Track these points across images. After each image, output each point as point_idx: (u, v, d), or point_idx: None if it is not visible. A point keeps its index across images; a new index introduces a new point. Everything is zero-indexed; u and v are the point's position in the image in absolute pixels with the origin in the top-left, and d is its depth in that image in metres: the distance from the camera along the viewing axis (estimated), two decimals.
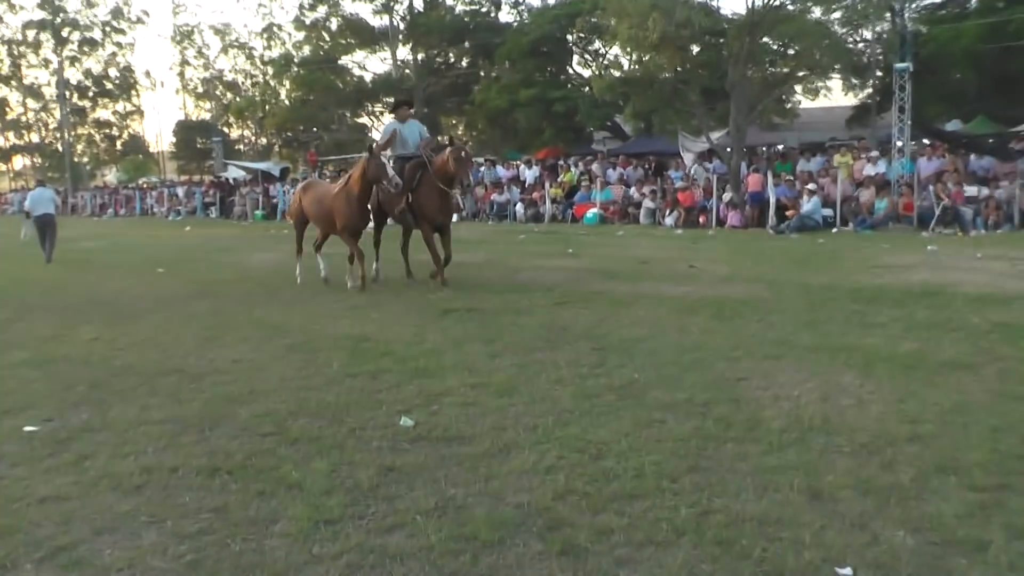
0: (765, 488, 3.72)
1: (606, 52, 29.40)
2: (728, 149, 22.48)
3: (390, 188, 9.77)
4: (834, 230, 17.84)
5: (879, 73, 29.66)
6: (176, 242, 20.74)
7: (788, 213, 18.42)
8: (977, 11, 32.09)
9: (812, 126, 37.61)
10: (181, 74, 63.81)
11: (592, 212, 23.10)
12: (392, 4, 41.69)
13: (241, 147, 60.39)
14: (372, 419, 4.87)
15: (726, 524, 3.37)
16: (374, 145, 10.62)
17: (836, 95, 36.53)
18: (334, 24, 43.85)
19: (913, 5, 32.64)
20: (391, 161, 10.30)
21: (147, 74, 63.56)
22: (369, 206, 10.42)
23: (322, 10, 43.37)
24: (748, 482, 3.79)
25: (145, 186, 45.48)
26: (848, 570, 2.98)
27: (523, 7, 41.55)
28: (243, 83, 60.18)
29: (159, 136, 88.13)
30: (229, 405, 5.25)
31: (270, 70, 49.35)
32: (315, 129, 45.18)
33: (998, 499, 3.56)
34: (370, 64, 64.01)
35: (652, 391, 5.29)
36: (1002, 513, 3.42)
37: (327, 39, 44.08)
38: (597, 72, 32.89)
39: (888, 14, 23.17)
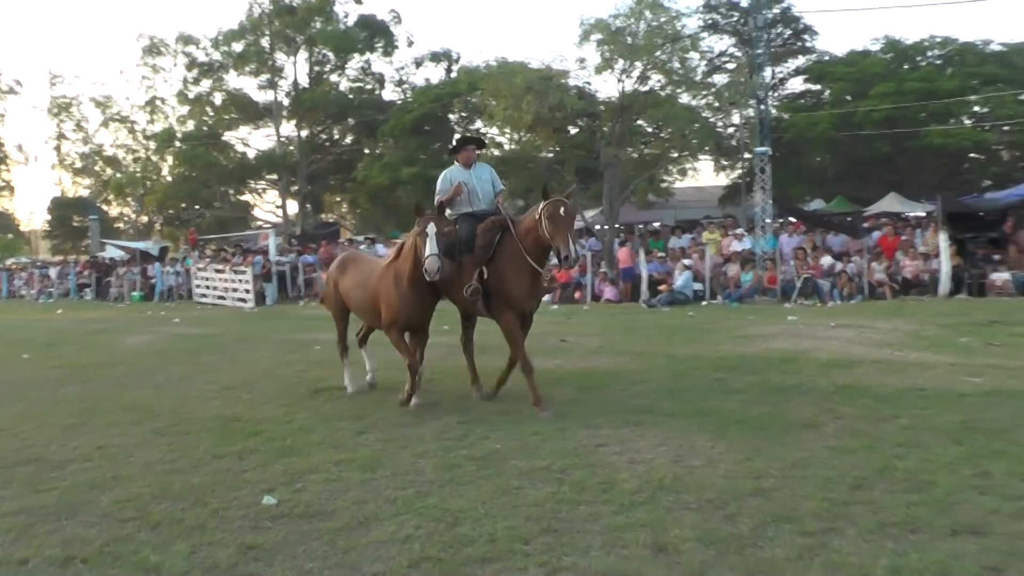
0: (613, 545, 3.89)
1: (485, 132, 30.33)
2: (599, 227, 23.36)
3: (425, 272, 6.87)
4: (704, 303, 18.61)
5: (747, 155, 31.61)
6: (46, 325, 19.75)
7: (661, 288, 19.15)
8: (830, 102, 35.10)
9: (687, 204, 39.57)
10: (58, 148, 61.34)
11: None
12: (277, 80, 41.86)
13: (120, 225, 58.21)
14: (236, 499, 4.82)
15: None
16: (422, 206, 7.53)
17: (708, 176, 38.63)
18: (218, 99, 43.51)
19: (775, 93, 35.38)
20: (449, 223, 7.36)
21: (19, 148, 60.39)
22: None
23: (206, 84, 43.01)
24: (598, 540, 3.96)
25: (14, 267, 43.15)
26: None
27: (407, 86, 42.54)
28: (124, 158, 58.35)
29: (31, 214, 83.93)
30: (90, 492, 5.08)
31: (152, 145, 48.13)
32: (197, 207, 44.23)
33: (823, 541, 3.86)
34: (254, 140, 63.40)
35: (512, 460, 5.43)
36: (825, 553, 3.73)
37: (211, 114, 43.61)
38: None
39: (753, 101, 24.90)
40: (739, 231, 22.22)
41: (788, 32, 36.30)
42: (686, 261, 19.55)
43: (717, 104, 26.52)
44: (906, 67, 34.81)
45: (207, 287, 24.78)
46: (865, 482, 4.68)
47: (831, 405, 6.78)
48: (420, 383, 7.45)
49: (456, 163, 7.92)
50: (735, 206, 34.51)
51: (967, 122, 33.50)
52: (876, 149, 32.71)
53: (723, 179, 40.03)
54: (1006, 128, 32.59)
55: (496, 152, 27.68)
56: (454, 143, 8.54)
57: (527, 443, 5.86)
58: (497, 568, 3.70)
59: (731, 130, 35.06)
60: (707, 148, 30.00)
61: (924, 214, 24.17)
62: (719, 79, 31.67)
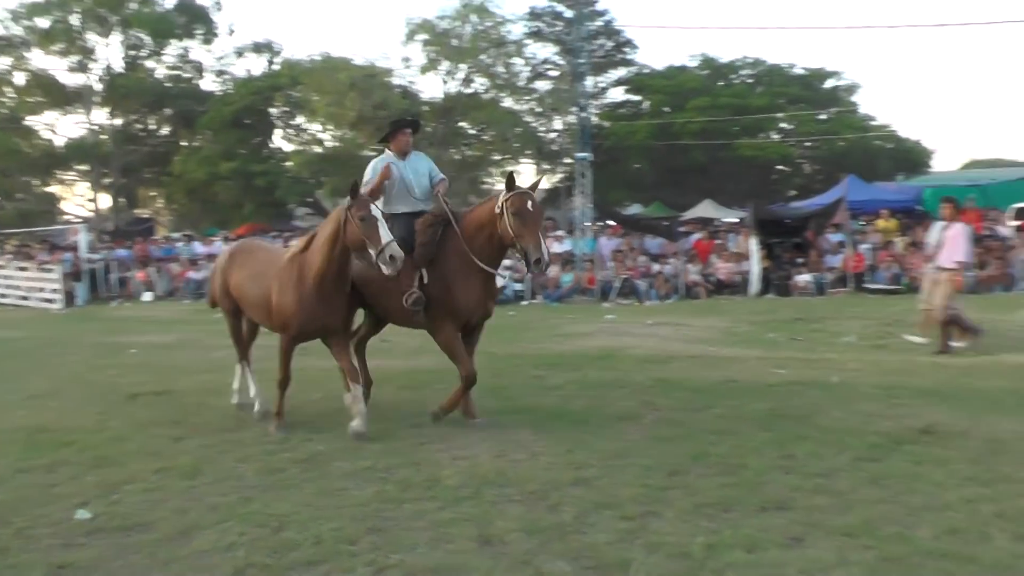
0: (439, 540, 3.97)
1: (306, 128, 29.69)
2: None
3: (383, 266, 5.60)
4: (524, 303, 18.94)
5: (568, 161, 32.71)
6: None
7: None
8: (649, 112, 37.12)
9: None
10: None
11: None
12: (88, 63, 38.80)
13: None
14: (44, 516, 4.51)
15: None
16: (359, 186, 6.14)
17: (529, 179, 39.50)
18: (20, 78, 39.79)
19: (596, 102, 36.88)
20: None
21: None
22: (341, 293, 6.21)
23: (5, 61, 39.22)
24: (424, 536, 4.02)
25: None
26: None
27: (227, 76, 40.67)
28: None
29: None
30: None
31: None
32: None
33: (643, 524, 4.13)
34: (62, 127, 58.31)
35: (336, 461, 5.41)
36: (645, 534, 3.99)
37: (11, 95, 39.78)
38: (298, 147, 32.99)
39: (575, 108, 25.82)
40: (559, 233, 22.92)
41: (610, 44, 37.85)
42: (506, 262, 19.91)
43: (540, 110, 27.31)
44: (720, 83, 37.62)
45: (8, 287, 22.77)
46: (681, 468, 5.02)
47: (648, 398, 7.16)
48: (359, 407, 6.08)
49: (387, 151, 6.87)
50: (556, 209, 35.59)
51: (775, 137, 36.70)
52: (692, 158, 34.93)
53: (544, 183, 41.14)
54: (808, 144, 35.97)
55: (317, 149, 27.08)
56: (390, 127, 7.06)
57: (350, 444, 5.84)
58: (324, 570, 3.69)
59: (553, 135, 36.21)
60: (529, 152, 30.79)
61: (736, 220, 25.87)
62: (542, 85, 32.73)
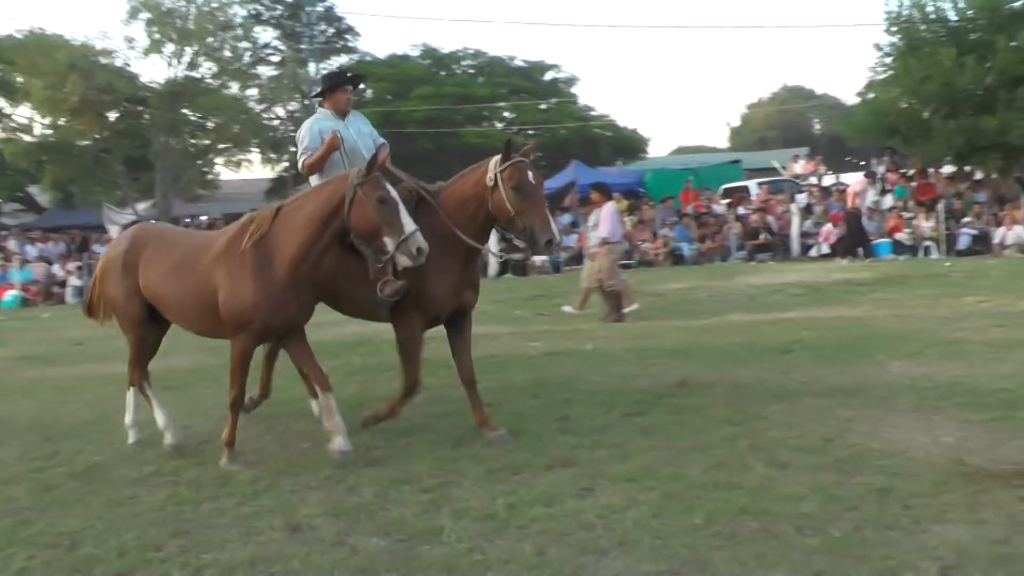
0: (248, 534, 3.86)
1: (12, 113, 26.16)
2: (154, 221, 21.95)
3: (404, 258, 4.71)
4: None
5: (293, 149, 31.87)
6: None
7: None
8: (372, 100, 37.18)
9: (235, 197, 38.48)
10: None
11: (11, 294, 20.50)
12: None
13: None
14: None
15: (220, 574, 3.44)
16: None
17: (255, 168, 38.10)
18: None
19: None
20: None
21: None
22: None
23: None
24: (232, 533, 3.89)
25: None
26: None
27: None
28: None
29: None
30: None
31: None
32: None
33: (443, 494, 4.27)
34: None
35: (117, 470, 5.06)
36: (447, 503, 4.14)
37: None
38: (7, 135, 29.28)
39: (298, 95, 25.20)
40: None
41: (332, 31, 37.38)
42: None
43: (262, 96, 26.26)
44: (443, 73, 38.46)
45: None
46: (466, 439, 5.24)
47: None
48: (337, 422, 5.05)
49: (321, 109, 5.93)
50: (282, 198, 34.71)
51: (498, 125, 38.16)
52: (418, 146, 35.42)
53: (269, 172, 39.93)
54: (531, 132, 37.97)
55: (28, 137, 24.01)
56: (323, 81, 6.19)
57: (127, 451, 5.46)
58: None
59: (276, 123, 35.17)
60: (256, 141, 29.67)
61: None
62: (264, 71, 31.61)
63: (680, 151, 55.13)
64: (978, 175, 21.58)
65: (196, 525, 4.03)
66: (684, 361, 7.43)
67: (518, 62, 40.27)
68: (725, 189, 24.49)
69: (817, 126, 65.71)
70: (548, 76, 41.26)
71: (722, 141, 71.02)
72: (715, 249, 19.73)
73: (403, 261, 4.73)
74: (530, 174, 5.13)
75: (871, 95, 24.19)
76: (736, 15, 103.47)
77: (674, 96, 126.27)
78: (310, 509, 4.12)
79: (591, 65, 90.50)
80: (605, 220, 10.67)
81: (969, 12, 20.90)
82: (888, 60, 22.11)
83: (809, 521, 3.63)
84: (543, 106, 38.38)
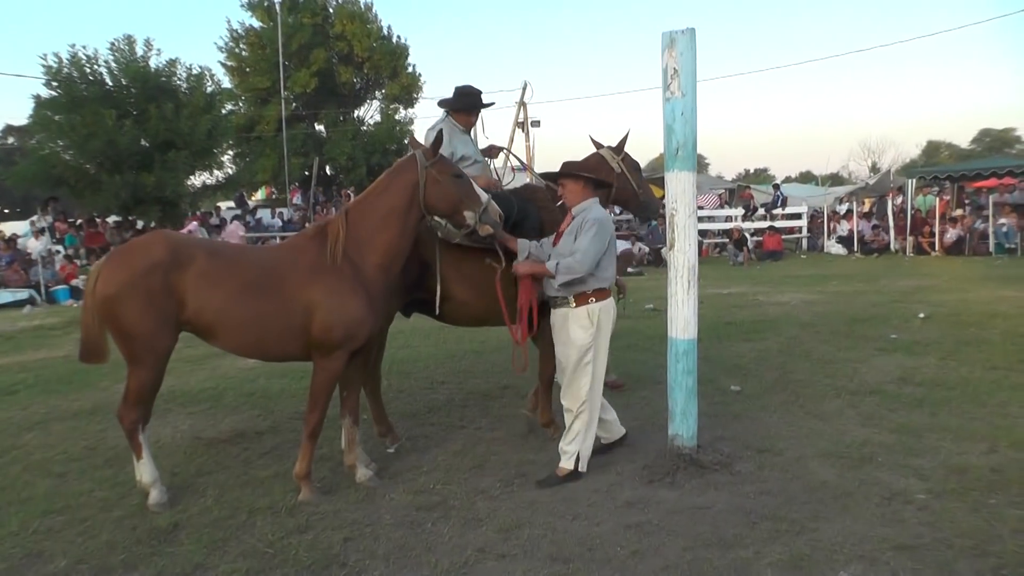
0: None
1: None
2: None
3: (487, 226, 4.80)
4: None
5: None
6: None
7: None
8: None
9: None
10: None
11: None
12: None
13: None
14: None
15: None
16: (440, 143, 4.79)
17: None
18: None
19: None
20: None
21: None
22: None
23: None
24: None
25: None
26: None
27: None
28: None
29: None
30: None
31: None
32: None
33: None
34: None
35: None
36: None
37: None
38: None
39: None
40: None
41: None
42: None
43: None
44: None
45: None
46: None
47: None
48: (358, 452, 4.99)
49: (450, 119, 5.80)
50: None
51: None
52: None
53: None
54: None
55: None
56: (463, 99, 5.74)
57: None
58: None
59: None
60: None
61: None
62: None
63: None
64: (140, 224, 23.74)
65: None
66: None
67: None
68: None
69: None
70: None
71: None
72: None
73: (485, 231, 4.89)
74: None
75: (39, 146, 23.77)
76: None
77: None
78: None
79: None
80: None
81: (124, 80, 23.04)
82: (49, 113, 22.46)
83: None
84: None
